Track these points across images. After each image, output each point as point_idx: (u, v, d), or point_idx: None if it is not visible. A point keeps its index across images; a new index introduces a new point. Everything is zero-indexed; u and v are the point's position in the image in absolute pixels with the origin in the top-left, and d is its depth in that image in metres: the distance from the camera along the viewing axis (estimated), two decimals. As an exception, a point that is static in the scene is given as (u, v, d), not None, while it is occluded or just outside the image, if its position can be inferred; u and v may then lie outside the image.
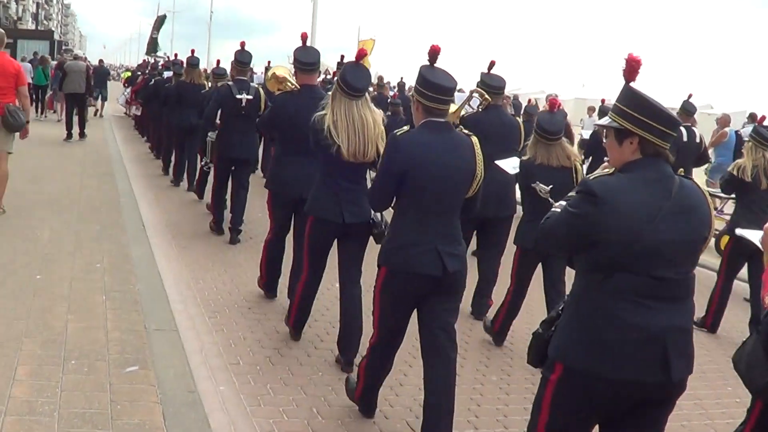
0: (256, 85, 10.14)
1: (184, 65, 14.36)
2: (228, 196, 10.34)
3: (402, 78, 25.07)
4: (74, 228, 9.52)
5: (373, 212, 5.94)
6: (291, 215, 7.20)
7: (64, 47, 52.78)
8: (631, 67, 3.46)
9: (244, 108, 9.70)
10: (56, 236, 9.05)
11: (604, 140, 3.56)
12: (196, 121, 12.40)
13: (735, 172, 7.92)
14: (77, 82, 19.58)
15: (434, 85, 4.55)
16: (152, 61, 28.35)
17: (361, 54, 5.98)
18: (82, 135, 19.44)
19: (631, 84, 3.45)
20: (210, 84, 13.44)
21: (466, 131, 4.87)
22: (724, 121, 17.79)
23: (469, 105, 7.97)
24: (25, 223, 9.49)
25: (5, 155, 9.91)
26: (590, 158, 12.75)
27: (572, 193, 3.51)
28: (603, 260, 3.28)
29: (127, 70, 35.25)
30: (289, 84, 7.03)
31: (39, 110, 25.15)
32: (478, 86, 10.61)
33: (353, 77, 5.73)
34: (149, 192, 13.06)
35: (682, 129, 11.03)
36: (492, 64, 8.03)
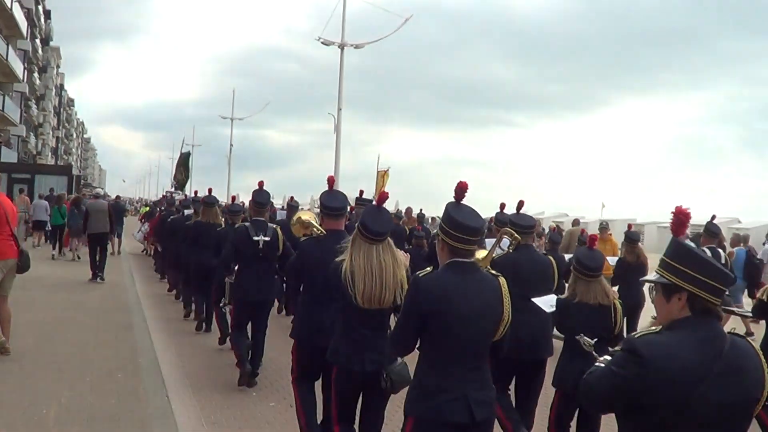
0: (274, 226, 9.99)
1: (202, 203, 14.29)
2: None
3: (421, 209, 25.12)
4: (87, 401, 8.35)
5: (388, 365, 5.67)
6: (319, 365, 6.87)
7: (82, 182, 53.48)
8: (680, 221, 3.36)
9: (261, 250, 9.54)
10: (65, 415, 7.80)
11: (652, 295, 3.37)
12: (214, 261, 12.17)
13: (765, 298, 7.64)
14: (101, 222, 19.65)
15: (461, 224, 4.43)
16: (168, 197, 28.40)
17: (383, 198, 5.83)
18: (101, 278, 19.26)
19: (680, 238, 3.33)
20: (223, 221, 13.35)
21: (493, 272, 4.72)
22: (734, 240, 17.69)
23: (500, 246, 7.76)
24: (30, 398, 8.29)
25: (6, 298, 10.00)
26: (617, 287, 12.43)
27: (617, 349, 3.33)
28: (651, 425, 3.08)
29: (146, 204, 35.49)
30: (314, 229, 6.88)
31: (58, 249, 25.18)
32: (496, 224, 10.52)
33: (374, 222, 5.62)
34: (171, 345, 12.12)
35: (707, 250, 10.83)
36: (521, 205, 7.90)
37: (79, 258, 24.21)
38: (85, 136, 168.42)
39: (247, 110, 62.58)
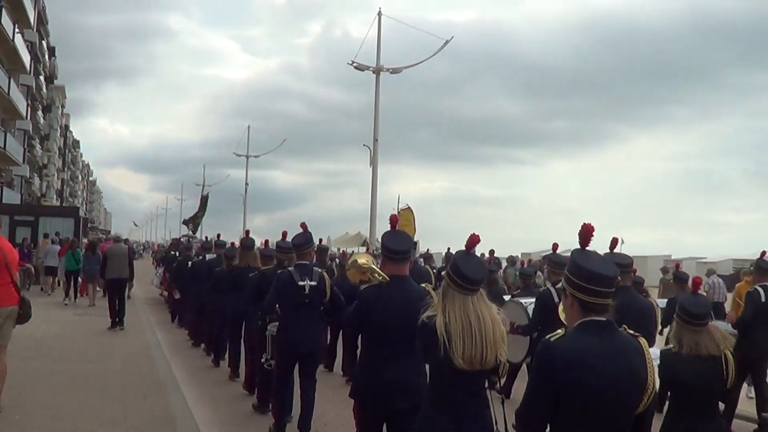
0: (320, 270, 9.19)
1: (236, 246, 13.56)
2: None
3: (449, 248, 24.31)
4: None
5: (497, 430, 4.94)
6: (382, 426, 6.16)
7: (89, 225, 52.65)
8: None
9: (308, 296, 8.74)
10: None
11: None
12: (249, 307, 11.42)
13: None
14: (120, 267, 18.83)
15: (594, 274, 3.71)
16: (185, 241, 27.60)
17: (474, 241, 5.05)
18: (120, 324, 18.36)
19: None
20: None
21: (630, 331, 3.92)
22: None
23: None
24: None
25: (5, 347, 9.28)
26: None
27: None
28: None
29: (162, 247, 34.54)
30: (376, 275, 6.11)
31: (74, 297, 24.33)
32: (550, 266, 9.71)
33: (468, 268, 4.85)
34: (207, 404, 10.93)
35: (759, 289, 10.11)
36: (615, 243, 7.07)
37: (94, 304, 23.40)
38: (90, 178, 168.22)
39: (253, 150, 61.33)
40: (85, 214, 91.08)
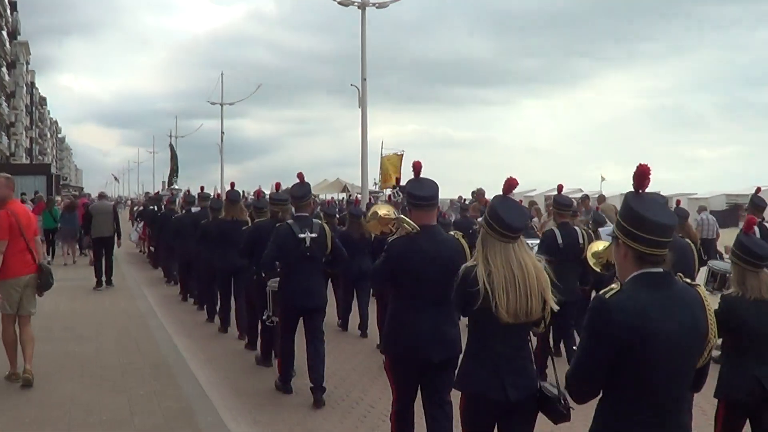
0: (320, 222, 8.82)
1: (221, 199, 13.12)
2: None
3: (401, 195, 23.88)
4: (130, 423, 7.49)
5: (542, 383, 4.69)
6: (418, 382, 5.90)
7: (62, 182, 51.75)
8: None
9: (309, 249, 8.39)
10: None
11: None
12: (240, 262, 11.18)
13: None
14: (105, 224, 18.22)
15: (652, 222, 3.35)
16: (167, 194, 27.11)
17: (511, 185, 4.74)
18: (108, 282, 17.89)
19: None
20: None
21: (687, 280, 3.57)
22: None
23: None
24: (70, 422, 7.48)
25: (29, 318, 8.86)
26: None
27: None
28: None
29: (135, 202, 33.91)
30: (405, 225, 5.74)
31: (51, 254, 23.77)
32: (556, 207, 9.37)
33: (508, 214, 4.56)
34: (200, 352, 10.99)
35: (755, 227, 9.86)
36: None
37: (74, 262, 22.97)
38: (59, 135, 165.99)
39: (225, 99, 59.66)
40: (57, 172, 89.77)
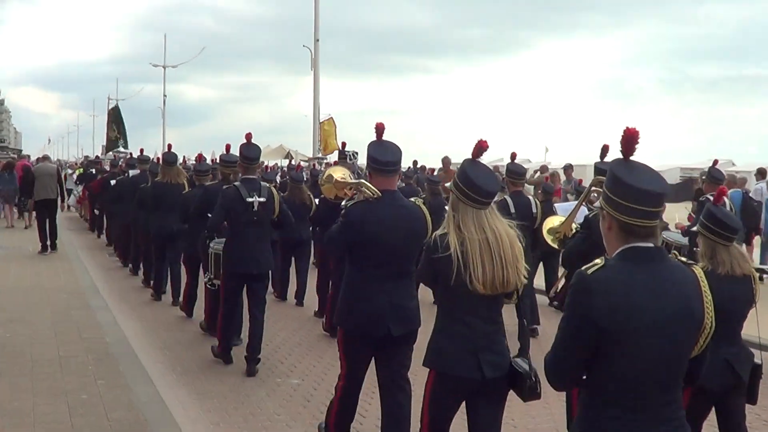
0: (268, 185, 8.47)
1: (160, 162, 12.62)
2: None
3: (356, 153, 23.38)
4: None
5: (514, 360, 4.45)
6: (371, 358, 5.62)
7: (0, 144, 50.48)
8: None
9: (256, 213, 8.06)
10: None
11: None
12: (177, 226, 10.78)
13: None
14: (48, 186, 17.63)
15: (640, 191, 3.01)
16: (112, 157, 26.46)
17: (481, 147, 4.49)
18: (53, 247, 17.31)
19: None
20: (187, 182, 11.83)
21: (683, 258, 3.28)
22: (729, 183, 16.65)
23: (587, 205, 6.43)
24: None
25: None
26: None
27: None
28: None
29: (80, 165, 32.89)
30: (364, 189, 5.42)
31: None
32: (509, 176, 9.21)
33: (479, 178, 4.33)
34: (151, 339, 9.75)
35: (711, 198, 9.78)
36: (606, 149, 6.48)
37: (12, 226, 22.21)
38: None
39: (159, 68, 57.49)
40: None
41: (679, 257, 3.27)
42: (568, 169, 19.10)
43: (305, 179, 13.06)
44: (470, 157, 4.49)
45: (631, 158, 3.18)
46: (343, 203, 5.67)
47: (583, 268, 3.06)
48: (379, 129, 5.54)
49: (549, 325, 10.06)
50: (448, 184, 4.65)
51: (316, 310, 11.09)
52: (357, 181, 5.76)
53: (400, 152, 5.54)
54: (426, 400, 4.50)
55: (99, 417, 6.54)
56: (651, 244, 3.05)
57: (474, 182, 4.27)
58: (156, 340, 9.59)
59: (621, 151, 3.19)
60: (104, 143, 36.45)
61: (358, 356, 5.55)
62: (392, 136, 5.52)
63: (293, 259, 12.20)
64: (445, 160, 19.70)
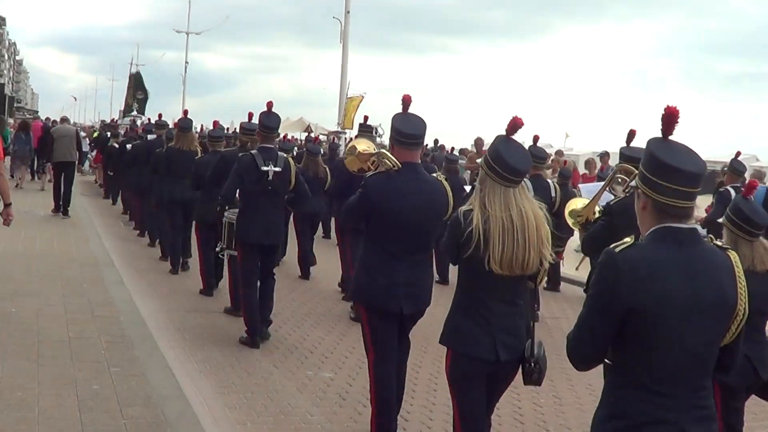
0: (285, 155, 8.31)
1: (176, 128, 12.46)
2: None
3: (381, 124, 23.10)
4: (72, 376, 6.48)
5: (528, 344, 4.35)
6: (396, 332, 5.49)
7: (16, 104, 50.46)
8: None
9: (271, 183, 7.91)
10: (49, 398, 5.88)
11: None
12: (190, 194, 10.64)
13: None
14: (67, 149, 17.50)
15: (677, 170, 2.91)
16: (128, 121, 26.36)
17: (516, 125, 4.34)
18: (65, 212, 17.08)
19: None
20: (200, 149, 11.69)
21: (718, 242, 3.13)
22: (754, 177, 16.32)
23: (611, 190, 6.27)
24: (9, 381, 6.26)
25: None
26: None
27: None
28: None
29: (94, 130, 32.83)
30: (386, 161, 5.28)
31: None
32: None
33: (511, 155, 4.19)
34: (170, 320, 9.04)
35: (731, 189, 9.59)
36: (632, 134, 6.31)
37: (22, 188, 22.06)
38: (17, 57, 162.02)
39: (182, 35, 56.65)
40: (12, 93, 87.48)
41: (715, 241, 3.12)
42: (604, 156, 18.53)
43: (322, 152, 12.91)
44: (504, 136, 4.33)
45: (670, 137, 3.06)
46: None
47: (611, 246, 2.98)
48: (406, 101, 5.42)
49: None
50: (479, 160, 4.51)
51: (339, 282, 10.94)
52: (378, 151, 5.64)
53: (425, 126, 5.42)
54: (450, 378, 4.45)
55: (112, 413, 5.82)
56: (686, 225, 2.94)
57: (505, 159, 4.14)
58: (174, 320, 9.00)
59: (661, 129, 3.07)
60: (122, 108, 36.40)
61: (386, 333, 5.42)
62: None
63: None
64: (478, 141, 19.15)
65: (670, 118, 3.05)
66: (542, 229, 4.18)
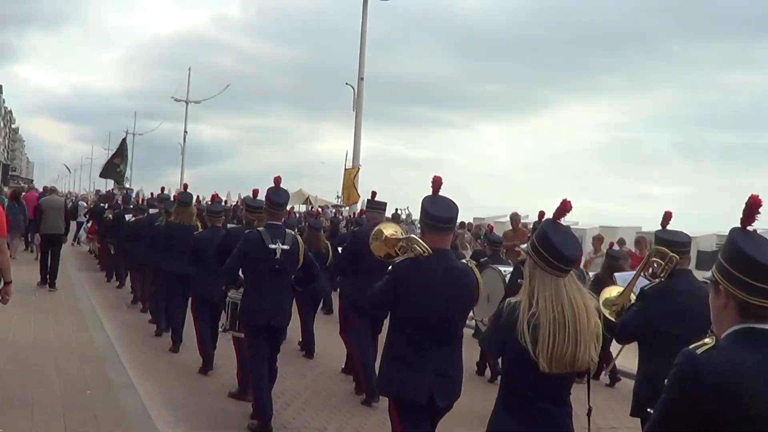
0: (293, 232, 7.98)
1: (176, 201, 12.18)
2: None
3: (408, 207, 22.67)
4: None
5: None
6: (428, 426, 5.15)
7: (11, 173, 50.17)
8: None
9: (279, 261, 7.55)
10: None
11: None
12: (189, 269, 10.31)
13: None
14: (56, 221, 17.20)
15: (760, 264, 2.67)
16: (123, 193, 26.08)
17: (565, 209, 4.01)
18: (52, 285, 16.59)
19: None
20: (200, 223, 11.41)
21: None
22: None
23: (645, 275, 5.94)
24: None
25: None
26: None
27: None
28: None
29: (92, 201, 32.44)
30: (416, 246, 4.97)
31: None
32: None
33: (564, 243, 3.81)
34: (164, 399, 8.52)
35: None
36: (668, 217, 6.02)
37: (15, 258, 21.62)
38: (12, 126, 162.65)
39: (179, 103, 56.34)
40: (7, 161, 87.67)
41: None
42: (641, 241, 17.16)
43: (324, 228, 12.61)
44: (552, 220, 3.99)
45: (749, 228, 2.84)
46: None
47: (691, 347, 2.75)
48: (437, 183, 5.15)
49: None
50: (523, 246, 4.16)
51: (343, 367, 10.55)
52: (407, 236, 5.35)
53: (457, 209, 5.13)
54: None
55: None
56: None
57: (556, 247, 3.77)
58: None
59: (742, 219, 2.86)
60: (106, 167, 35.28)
61: (419, 429, 5.06)
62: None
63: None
64: (515, 217, 16.83)
65: (753, 208, 2.87)
66: (592, 321, 3.79)
